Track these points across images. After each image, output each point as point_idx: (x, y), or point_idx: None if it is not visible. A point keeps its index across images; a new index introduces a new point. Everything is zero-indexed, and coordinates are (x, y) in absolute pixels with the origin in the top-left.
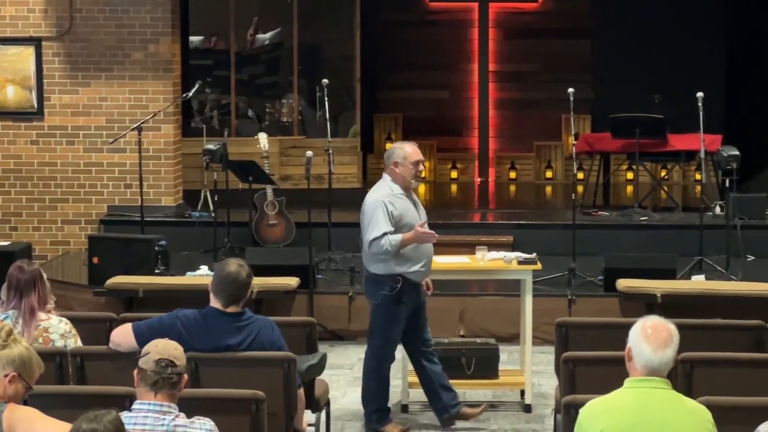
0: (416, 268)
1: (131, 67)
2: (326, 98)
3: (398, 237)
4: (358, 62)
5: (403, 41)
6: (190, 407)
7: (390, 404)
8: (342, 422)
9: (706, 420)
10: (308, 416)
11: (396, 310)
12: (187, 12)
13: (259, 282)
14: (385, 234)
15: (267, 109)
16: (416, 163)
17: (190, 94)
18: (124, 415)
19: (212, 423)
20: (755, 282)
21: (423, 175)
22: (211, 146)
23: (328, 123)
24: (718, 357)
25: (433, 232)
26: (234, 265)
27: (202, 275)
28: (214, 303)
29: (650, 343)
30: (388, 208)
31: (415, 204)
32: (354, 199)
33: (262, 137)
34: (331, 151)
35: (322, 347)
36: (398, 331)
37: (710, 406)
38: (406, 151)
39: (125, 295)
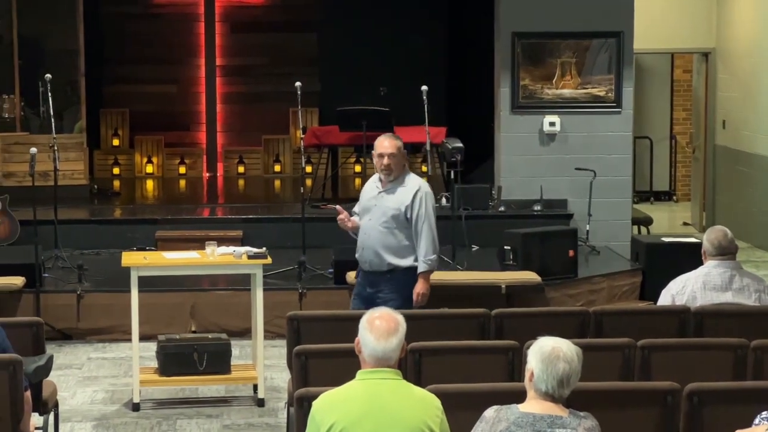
0: (357, 254)
1: None
2: (50, 93)
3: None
4: (82, 56)
5: (128, 35)
6: None
7: None
8: (71, 423)
9: (435, 407)
10: (35, 419)
11: (354, 291)
12: None
13: None
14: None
15: None
16: (378, 156)
17: None
18: None
19: None
20: (479, 271)
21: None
22: None
23: (53, 119)
24: (445, 345)
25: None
26: None
27: None
28: None
29: (374, 333)
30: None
31: (388, 192)
32: (80, 195)
33: None
34: (56, 148)
35: (50, 347)
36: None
37: (439, 394)
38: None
39: None
